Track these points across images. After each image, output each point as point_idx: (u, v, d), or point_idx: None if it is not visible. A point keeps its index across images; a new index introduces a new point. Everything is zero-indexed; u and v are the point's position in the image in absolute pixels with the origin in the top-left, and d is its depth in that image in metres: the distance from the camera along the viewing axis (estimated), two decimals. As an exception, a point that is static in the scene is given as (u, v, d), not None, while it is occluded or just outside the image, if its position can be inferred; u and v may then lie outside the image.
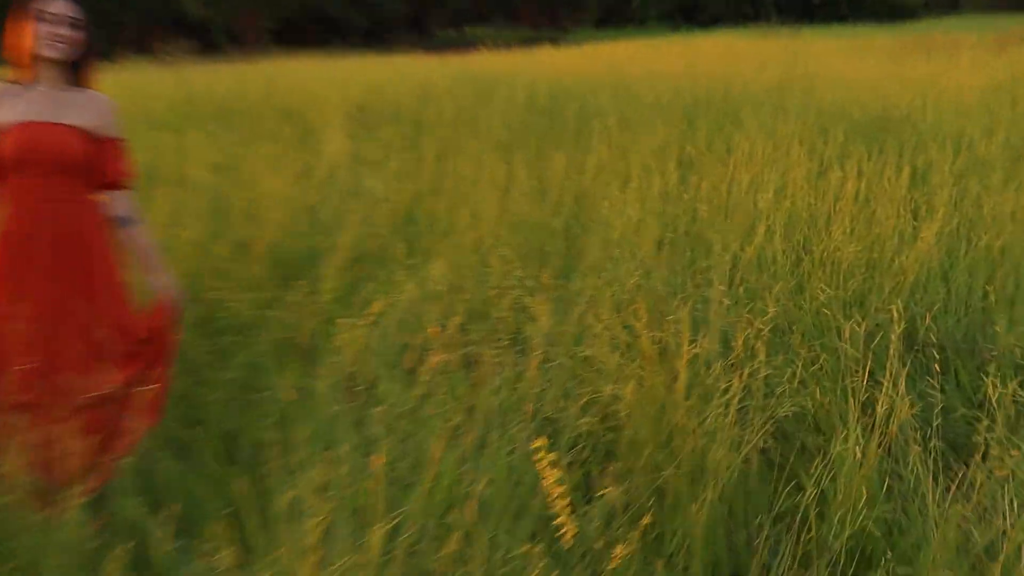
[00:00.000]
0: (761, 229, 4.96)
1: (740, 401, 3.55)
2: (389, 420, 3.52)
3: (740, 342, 3.52)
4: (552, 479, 2.64)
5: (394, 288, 4.79)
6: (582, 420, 3.57)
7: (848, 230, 4.96)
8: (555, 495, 2.65)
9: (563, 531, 2.66)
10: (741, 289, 4.42)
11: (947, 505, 3.35)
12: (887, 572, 2.81)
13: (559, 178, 6.70)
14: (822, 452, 3.48)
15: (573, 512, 3.03)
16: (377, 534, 2.66)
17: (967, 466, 3.48)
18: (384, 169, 7.89)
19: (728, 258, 4.59)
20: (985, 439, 3.52)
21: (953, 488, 3.27)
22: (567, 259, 5.23)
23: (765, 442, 3.55)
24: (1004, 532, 3.13)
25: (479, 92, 12.65)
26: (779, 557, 2.86)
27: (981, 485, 3.24)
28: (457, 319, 4.17)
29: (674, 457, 3.28)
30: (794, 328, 4.25)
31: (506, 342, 4.13)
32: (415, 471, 3.18)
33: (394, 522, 2.81)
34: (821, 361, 3.92)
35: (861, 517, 3.11)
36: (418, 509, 2.97)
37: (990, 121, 8.54)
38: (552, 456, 2.66)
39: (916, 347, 4.49)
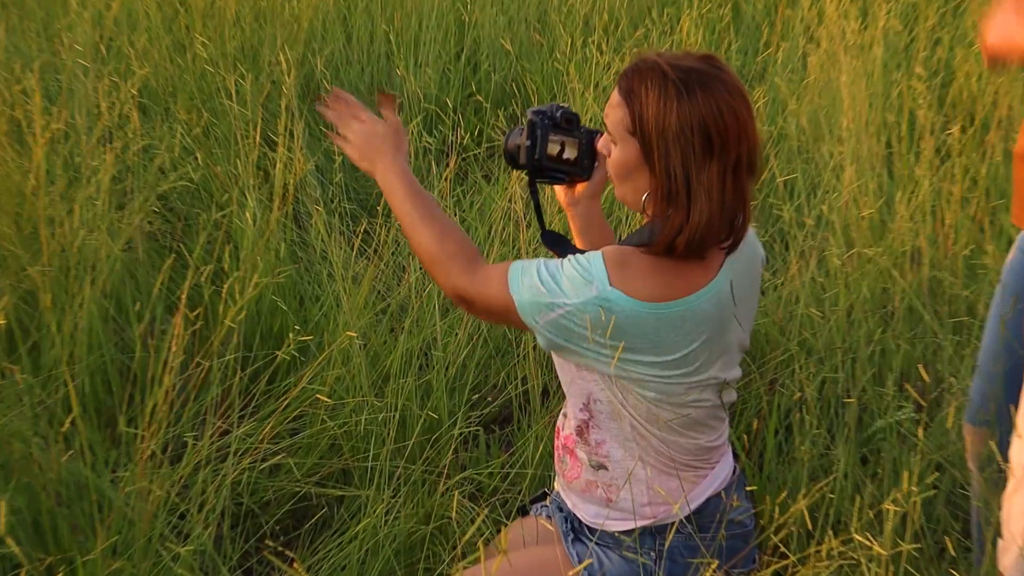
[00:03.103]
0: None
1: (117, 180, 3.05)
2: None
3: (105, 109, 2.95)
4: None
5: None
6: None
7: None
8: None
9: None
10: (107, 51, 3.77)
11: (361, 267, 3.15)
12: (294, 347, 2.51)
13: None
14: (219, 226, 3.11)
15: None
16: None
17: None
18: None
19: (89, 16, 3.89)
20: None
21: (358, 245, 3.07)
22: None
23: (151, 223, 3.09)
24: (414, 287, 3.00)
25: None
26: (168, 344, 2.43)
27: (385, 243, 3.07)
28: None
29: (42, 253, 2.74)
30: (176, 92, 3.74)
31: None
32: None
33: None
34: (208, 125, 3.48)
35: (265, 290, 2.81)
36: None
37: None
38: None
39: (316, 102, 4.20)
